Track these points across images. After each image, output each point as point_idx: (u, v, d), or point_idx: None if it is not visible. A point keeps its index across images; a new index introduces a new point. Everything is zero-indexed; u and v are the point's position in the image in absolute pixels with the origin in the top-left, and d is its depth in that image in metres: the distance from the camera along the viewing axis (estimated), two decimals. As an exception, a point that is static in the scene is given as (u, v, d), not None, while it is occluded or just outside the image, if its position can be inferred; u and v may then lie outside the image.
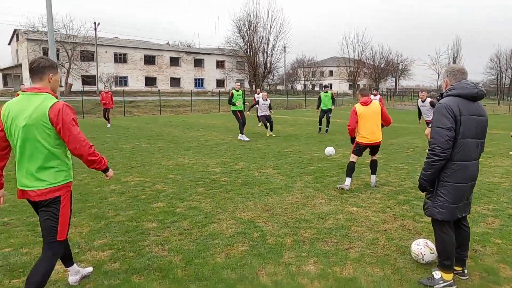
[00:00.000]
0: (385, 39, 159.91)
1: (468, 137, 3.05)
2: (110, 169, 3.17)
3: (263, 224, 4.75)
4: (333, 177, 7.37)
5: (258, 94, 17.57)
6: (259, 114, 13.85)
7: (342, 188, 6.34)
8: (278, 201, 5.73)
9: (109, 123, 17.67)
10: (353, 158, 6.49)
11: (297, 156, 9.50)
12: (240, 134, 12.75)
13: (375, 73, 59.96)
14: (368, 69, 60.11)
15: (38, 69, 2.83)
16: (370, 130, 6.33)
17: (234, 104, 12.66)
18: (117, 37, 57.15)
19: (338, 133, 14.59)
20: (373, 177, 6.72)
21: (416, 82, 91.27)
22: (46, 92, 2.81)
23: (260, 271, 3.53)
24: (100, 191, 6.21)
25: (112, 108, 18.21)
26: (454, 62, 61.80)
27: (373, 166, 6.70)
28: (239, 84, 13.76)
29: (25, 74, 44.68)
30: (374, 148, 6.58)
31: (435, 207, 3.15)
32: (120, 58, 51.58)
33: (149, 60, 54.29)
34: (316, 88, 73.38)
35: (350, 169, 6.44)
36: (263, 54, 41.27)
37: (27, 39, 42.89)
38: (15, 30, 47.96)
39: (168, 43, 63.60)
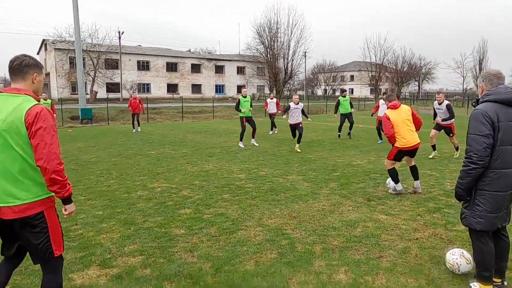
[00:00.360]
0: (408, 42, 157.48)
1: (507, 144, 2.95)
2: (72, 202, 2.64)
3: (291, 232, 4.71)
4: (359, 183, 7.26)
5: (272, 99, 17.16)
6: (290, 122, 11.66)
7: (399, 193, 6.38)
8: (305, 208, 5.69)
9: (138, 128, 18.57)
10: (392, 164, 6.40)
11: (321, 162, 9.42)
12: (240, 141, 12.63)
13: (397, 77, 59.04)
14: (390, 73, 59.24)
15: (21, 68, 2.49)
16: (409, 133, 6.26)
17: (240, 111, 12.47)
18: (140, 45, 58.43)
19: (361, 139, 14.41)
20: (417, 182, 6.57)
21: (440, 86, 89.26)
22: (25, 94, 2.46)
23: (290, 279, 3.50)
24: (128, 197, 6.31)
25: (141, 113, 18.97)
26: (480, 65, 60.14)
27: (415, 172, 6.55)
28: (246, 90, 13.04)
29: (53, 82, 46.19)
30: (413, 152, 6.45)
31: (473, 217, 3.06)
32: (143, 66, 52.71)
33: (171, 67, 55.25)
34: (337, 93, 72.86)
35: (395, 174, 6.35)
36: (284, 60, 41.26)
37: (55, 49, 44.42)
38: (43, 40, 49.74)
39: (189, 50, 64.57)
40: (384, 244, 4.30)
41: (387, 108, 6.49)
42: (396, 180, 6.35)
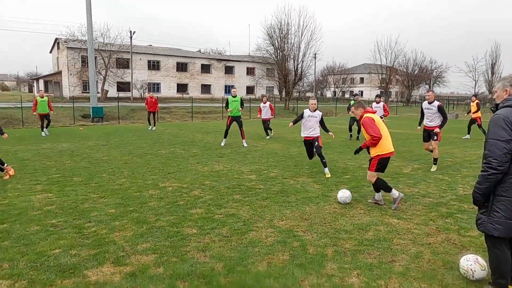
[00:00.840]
0: (419, 45, 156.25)
1: None
2: None
3: (302, 234, 4.71)
4: (370, 187, 7.19)
5: (265, 103, 15.38)
6: (303, 135, 8.63)
7: (398, 203, 5.75)
8: (316, 210, 5.68)
9: (154, 126, 19.33)
10: (375, 176, 5.81)
11: (331, 165, 9.38)
12: (223, 139, 12.94)
13: (407, 80, 58.61)
14: (400, 76, 58.84)
15: None
16: (388, 139, 5.78)
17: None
18: (151, 45, 58.81)
19: (372, 142, 14.31)
20: (379, 194, 6.03)
21: (451, 90, 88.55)
22: None
23: (303, 281, 3.50)
24: (140, 196, 6.37)
25: (156, 111, 19.76)
26: (492, 69, 59.49)
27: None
28: (235, 90, 13.04)
29: (65, 80, 46.70)
30: (388, 161, 5.92)
31: (490, 223, 3.03)
32: (154, 65, 53.02)
33: (181, 67, 55.49)
34: (347, 95, 72.55)
35: (383, 183, 5.79)
36: (294, 61, 41.16)
37: (67, 48, 44.88)
38: (56, 39, 50.33)
39: (199, 51, 64.84)
40: (396, 248, 4.27)
41: (364, 113, 5.88)
42: (388, 188, 5.78)
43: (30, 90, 62.28)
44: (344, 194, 6.04)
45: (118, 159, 9.97)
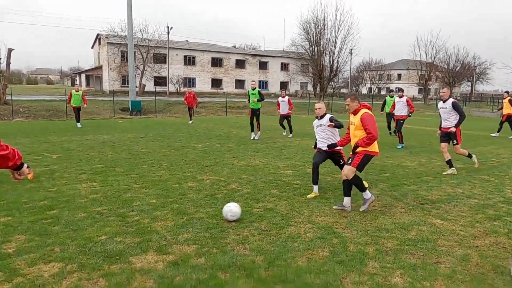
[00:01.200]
0: (462, 40, 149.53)
1: None
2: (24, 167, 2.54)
3: (342, 231, 4.65)
4: (410, 185, 7.01)
5: (283, 97, 14.30)
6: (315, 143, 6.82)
7: (368, 205, 5.38)
8: (355, 207, 5.58)
9: (190, 120, 19.95)
10: (354, 172, 5.37)
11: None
12: (251, 133, 13.44)
13: (448, 77, 56.26)
14: (441, 73, 56.56)
15: None
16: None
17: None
18: (187, 41, 59.80)
19: (410, 139, 13.90)
20: (348, 200, 5.54)
21: (495, 87, 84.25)
22: None
23: (344, 279, 3.46)
24: (179, 188, 6.51)
25: (195, 106, 20.52)
26: (543, 65, 55.90)
27: (351, 186, 5.55)
28: (254, 82, 13.63)
29: (105, 75, 48.41)
30: (369, 161, 5.56)
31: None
32: (189, 61, 53.91)
33: (216, 62, 56.09)
34: (383, 92, 70.68)
35: (360, 180, 5.40)
36: (330, 57, 40.54)
37: (108, 43, 46.49)
38: (97, 35, 52.20)
39: (234, 46, 65.21)
40: (441, 250, 4.13)
41: (362, 107, 5.43)
42: (363, 188, 5.40)
43: (73, 84, 65.20)
44: (231, 209, 4.86)
45: (157, 152, 10.23)
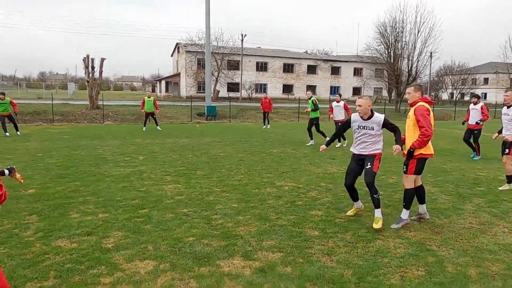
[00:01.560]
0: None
1: None
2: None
3: (436, 249, 4.28)
4: (511, 202, 6.28)
5: (338, 102, 12.97)
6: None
7: (421, 217, 5.13)
8: (448, 223, 5.13)
9: (265, 125, 20.37)
10: (413, 183, 5.00)
11: (459, 174, 8.45)
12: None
13: (547, 81, 50.24)
14: (537, 76, 50.73)
15: None
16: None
17: None
18: (259, 47, 60.87)
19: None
20: (423, 206, 5.23)
21: None
22: None
23: (445, 302, 3.16)
24: (259, 193, 6.54)
25: (270, 111, 21.00)
26: None
27: (424, 193, 5.21)
28: (309, 92, 13.94)
29: (182, 81, 51.09)
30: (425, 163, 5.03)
31: None
32: (261, 67, 54.81)
33: (288, 68, 56.32)
34: (466, 98, 65.25)
35: (411, 201, 4.98)
36: (408, 61, 38.51)
37: (186, 51, 49.06)
38: (176, 44, 55.36)
39: (306, 52, 64.91)
40: (560, 279, 3.60)
41: (420, 100, 4.87)
42: (409, 206, 4.98)
43: (153, 90, 69.85)
44: None
45: (234, 156, 10.46)
